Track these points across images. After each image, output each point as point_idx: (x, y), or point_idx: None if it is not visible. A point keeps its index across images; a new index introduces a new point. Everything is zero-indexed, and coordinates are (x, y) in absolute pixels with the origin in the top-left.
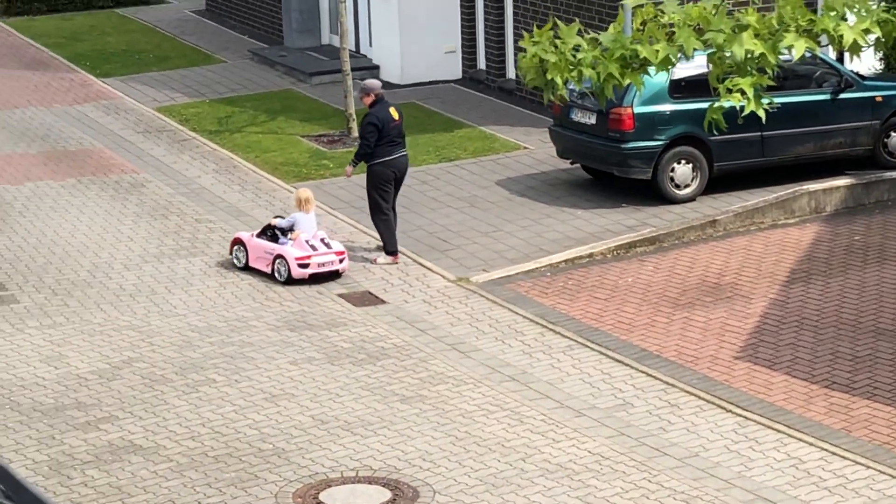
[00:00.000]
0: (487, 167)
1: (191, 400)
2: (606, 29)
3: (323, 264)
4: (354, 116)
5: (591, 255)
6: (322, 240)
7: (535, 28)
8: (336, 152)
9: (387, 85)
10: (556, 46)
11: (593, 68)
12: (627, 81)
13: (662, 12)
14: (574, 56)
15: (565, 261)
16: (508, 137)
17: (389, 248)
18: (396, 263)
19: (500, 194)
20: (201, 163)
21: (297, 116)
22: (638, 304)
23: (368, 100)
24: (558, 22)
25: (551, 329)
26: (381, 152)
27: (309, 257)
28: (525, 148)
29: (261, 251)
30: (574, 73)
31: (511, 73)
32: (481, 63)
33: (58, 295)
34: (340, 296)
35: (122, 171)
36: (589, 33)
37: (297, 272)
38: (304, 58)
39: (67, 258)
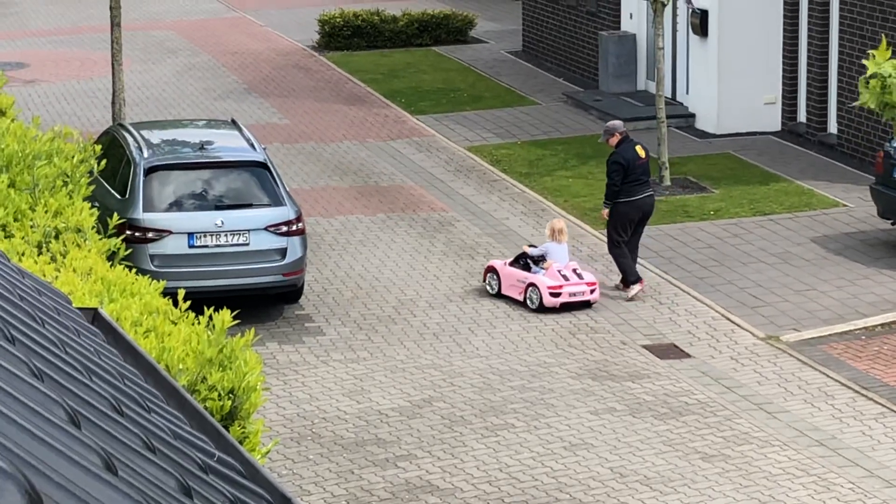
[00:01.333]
0: (803, 223)
1: (489, 443)
2: None
3: (574, 294)
4: (667, 165)
5: None
6: (574, 270)
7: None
8: None
9: (703, 134)
10: None
11: None
12: None
13: None
14: None
15: (882, 324)
16: (827, 193)
17: (631, 277)
18: (643, 286)
19: (815, 252)
20: (510, 204)
21: None
22: None
23: (614, 140)
24: None
25: (864, 395)
26: (626, 191)
27: (561, 287)
28: (844, 205)
29: (513, 279)
30: None
31: (833, 127)
32: (802, 115)
33: (363, 329)
34: (645, 347)
35: (432, 209)
36: None
37: (549, 301)
38: (619, 103)
39: (374, 293)
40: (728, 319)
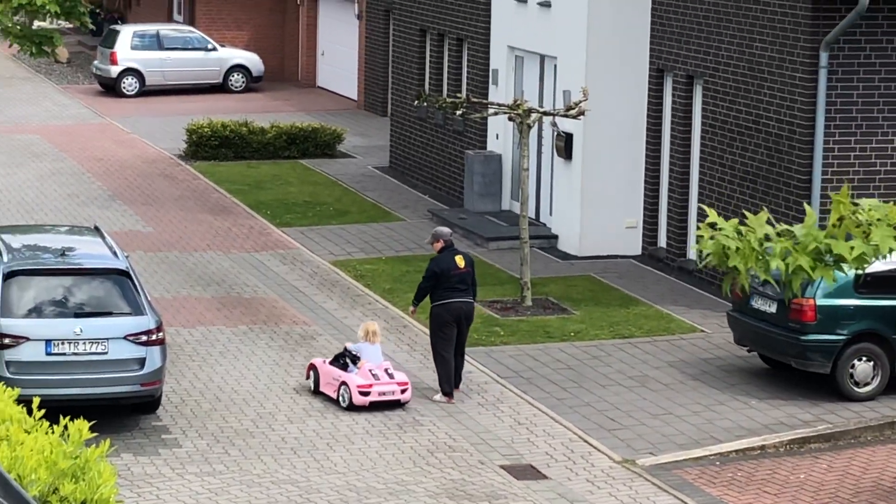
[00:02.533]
0: (662, 347)
1: None
2: (791, 221)
3: (384, 393)
4: (529, 285)
5: (762, 448)
6: (386, 370)
7: (710, 211)
8: (508, 320)
9: (565, 256)
10: (740, 234)
11: (783, 259)
12: (819, 276)
13: (861, 209)
14: (761, 245)
15: (736, 451)
16: (685, 319)
17: (445, 389)
18: (451, 403)
19: (672, 376)
20: (372, 319)
21: None
22: (809, 503)
23: (438, 245)
24: (745, 212)
25: None
26: (440, 295)
27: (370, 385)
28: (702, 331)
29: (329, 377)
30: (760, 263)
31: (692, 253)
32: (662, 241)
33: (220, 442)
34: (503, 467)
35: (294, 322)
36: (778, 224)
37: (358, 399)
38: (483, 222)
39: (232, 405)
40: (586, 441)
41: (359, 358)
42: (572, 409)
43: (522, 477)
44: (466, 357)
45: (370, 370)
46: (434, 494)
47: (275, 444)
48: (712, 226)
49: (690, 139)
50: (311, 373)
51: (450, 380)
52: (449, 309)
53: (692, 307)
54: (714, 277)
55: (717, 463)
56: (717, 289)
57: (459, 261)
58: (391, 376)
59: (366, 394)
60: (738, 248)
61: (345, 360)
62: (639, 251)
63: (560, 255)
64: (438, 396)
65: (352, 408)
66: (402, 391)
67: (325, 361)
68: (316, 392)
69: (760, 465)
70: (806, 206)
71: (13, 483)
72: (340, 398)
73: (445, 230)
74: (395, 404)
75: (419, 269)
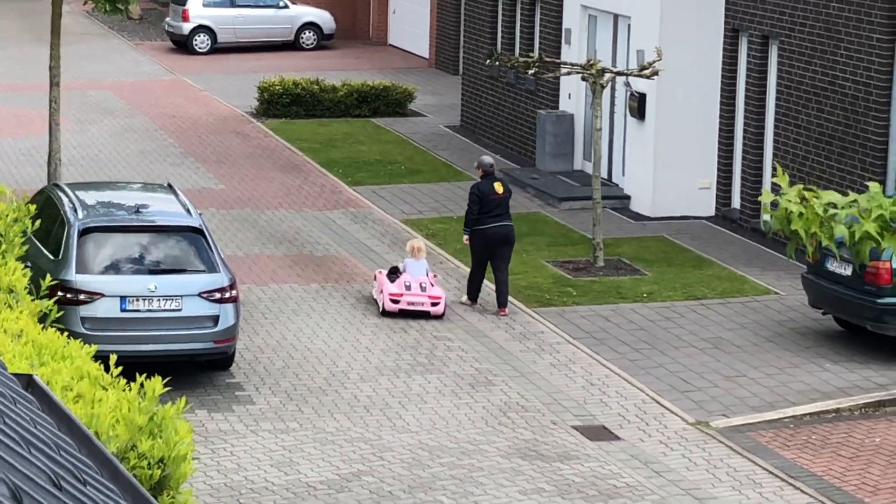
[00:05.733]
0: (735, 309)
1: None
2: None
3: (413, 304)
4: (602, 246)
5: (837, 411)
6: (420, 283)
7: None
8: (581, 280)
9: (637, 216)
10: (804, 199)
11: (848, 227)
12: (887, 245)
13: None
14: (825, 212)
15: (810, 414)
16: (759, 281)
17: (472, 294)
18: (472, 307)
19: (746, 338)
20: (444, 279)
21: (544, 241)
22: (884, 467)
23: (479, 173)
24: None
25: (791, 484)
26: (480, 221)
27: (401, 295)
28: (776, 293)
29: (380, 285)
30: (824, 229)
31: (766, 214)
32: (736, 202)
33: (293, 400)
34: (575, 428)
35: (366, 281)
36: (848, 193)
37: (389, 306)
38: (555, 182)
39: (305, 363)
40: (658, 403)
41: (402, 271)
42: (645, 371)
43: (595, 438)
44: (539, 317)
45: (405, 282)
46: (506, 454)
47: (347, 403)
48: (776, 190)
49: (765, 99)
50: (374, 281)
51: (478, 289)
52: (487, 234)
53: (766, 269)
54: (788, 239)
55: (791, 426)
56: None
57: (498, 187)
58: (423, 289)
59: (396, 301)
60: (801, 214)
61: (397, 273)
62: (712, 212)
63: (632, 216)
64: (464, 298)
65: (385, 314)
66: (433, 304)
67: (381, 272)
68: (375, 301)
69: (835, 429)
70: (869, 183)
71: (96, 441)
72: (380, 304)
73: (488, 160)
74: (427, 315)
75: None
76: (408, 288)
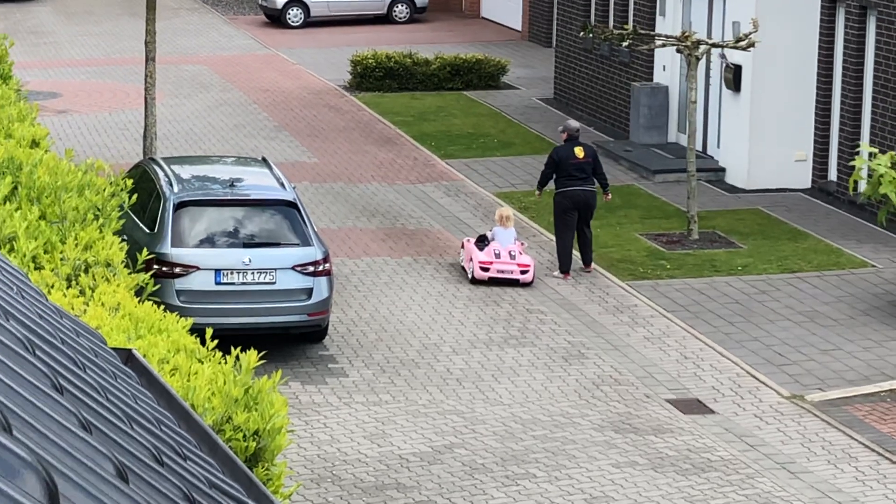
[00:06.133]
0: (831, 282)
1: (509, 493)
2: None
3: (502, 271)
4: (696, 219)
5: None
6: (510, 252)
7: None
8: (674, 253)
9: (732, 189)
10: (894, 164)
11: None
12: None
13: None
14: None
15: None
16: (855, 253)
17: (563, 267)
18: (566, 280)
19: (842, 311)
20: (537, 252)
21: (638, 214)
22: None
23: (563, 136)
24: None
25: (888, 458)
26: (560, 183)
27: (491, 263)
28: (872, 266)
29: (469, 254)
30: None
31: (863, 186)
32: (832, 174)
33: (386, 372)
34: (669, 401)
35: (458, 254)
36: None
37: (479, 274)
38: (649, 154)
39: (398, 336)
40: (753, 377)
41: (490, 240)
42: (739, 344)
43: (689, 411)
44: (632, 290)
45: (494, 250)
46: (599, 427)
47: (440, 375)
48: (869, 157)
49: (863, 71)
50: (462, 249)
51: (567, 260)
52: (567, 196)
53: (863, 241)
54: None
55: (888, 399)
56: (888, 223)
57: (579, 151)
58: (512, 257)
59: (485, 269)
60: (892, 179)
61: (485, 241)
62: (808, 184)
63: (727, 189)
64: (556, 273)
65: (475, 281)
66: (522, 272)
67: (469, 240)
68: (462, 268)
69: None
70: None
71: (195, 415)
72: (469, 272)
73: (573, 124)
74: (515, 283)
75: None
76: (497, 256)
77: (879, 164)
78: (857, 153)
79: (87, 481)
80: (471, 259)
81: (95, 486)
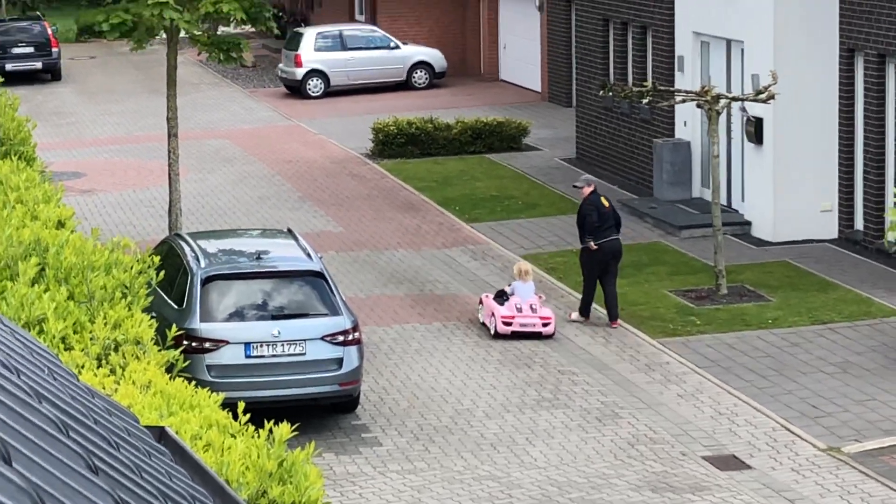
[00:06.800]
0: (863, 332)
1: None
2: None
3: (525, 325)
4: (724, 273)
5: None
6: (531, 305)
7: None
8: (704, 309)
9: (759, 242)
10: None
11: None
12: None
13: None
14: None
15: None
16: (886, 302)
17: (584, 311)
18: (584, 322)
19: (876, 361)
20: (565, 313)
21: (665, 270)
22: None
23: (588, 189)
24: None
25: None
26: (595, 235)
27: (513, 317)
28: None
29: (489, 309)
30: None
31: (891, 235)
32: (858, 223)
33: (419, 440)
34: (705, 458)
35: (477, 311)
36: None
37: (502, 328)
38: (674, 210)
39: (430, 403)
40: (788, 430)
41: (510, 294)
42: (773, 398)
43: (726, 468)
44: (663, 347)
45: (516, 304)
46: (636, 487)
47: (474, 441)
48: None
49: (885, 119)
50: (479, 306)
51: (590, 304)
52: (603, 248)
53: (893, 290)
54: None
55: None
56: None
57: (604, 201)
58: (534, 310)
59: (508, 324)
60: None
61: (505, 297)
62: (835, 234)
63: (754, 242)
64: (575, 315)
65: (497, 336)
66: (545, 325)
67: (488, 296)
68: (482, 325)
69: None
70: None
71: (229, 490)
72: (491, 327)
73: (590, 176)
74: (538, 336)
75: None
76: (519, 310)
77: None
78: (892, 204)
79: None
80: (492, 314)
81: None
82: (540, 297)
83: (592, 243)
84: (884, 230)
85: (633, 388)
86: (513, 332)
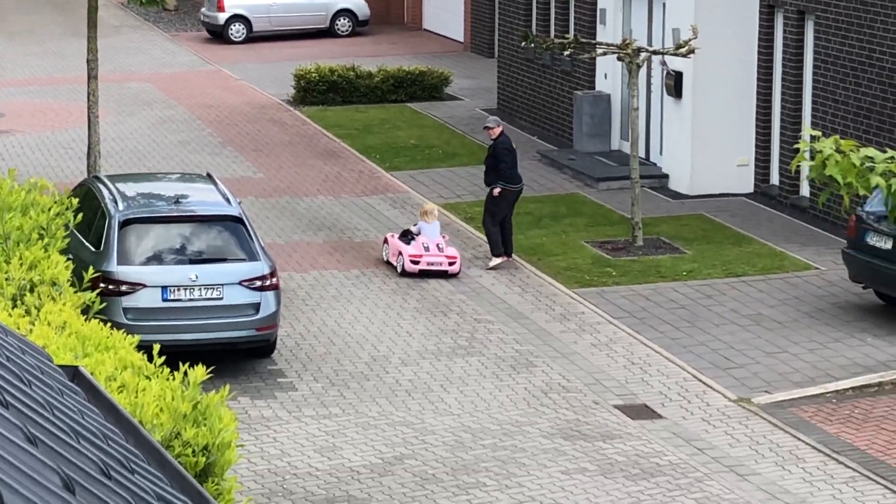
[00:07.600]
0: (775, 285)
1: (460, 502)
2: None
3: (432, 264)
4: (641, 225)
5: (880, 385)
6: (437, 245)
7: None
8: (620, 260)
9: (676, 195)
10: (839, 149)
11: (886, 180)
12: None
13: None
14: (862, 164)
15: (852, 388)
16: (799, 256)
17: (496, 251)
18: (509, 260)
19: (787, 314)
20: (483, 262)
21: (583, 221)
22: None
23: (497, 130)
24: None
25: (834, 458)
26: (509, 177)
27: (421, 256)
28: (816, 268)
29: (395, 249)
30: (861, 180)
31: (805, 190)
32: (774, 178)
33: (335, 385)
34: (617, 407)
35: (382, 250)
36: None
37: (409, 267)
38: (592, 162)
39: (346, 349)
40: (700, 381)
41: (416, 234)
42: (686, 349)
43: (637, 416)
44: (579, 297)
45: (423, 243)
46: (549, 434)
47: (389, 387)
48: (813, 140)
49: (802, 75)
50: (385, 245)
51: (499, 242)
52: (515, 191)
53: (806, 245)
54: (827, 214)
55: (834, 400)
56: (830, 226)
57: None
58: (440, 249)
59: (416, 262)
60: (836, 161)
61: (410, 236)
62: (751, 189)
63: (671, 195)
64: (493, 262)
65: (405, 273)
66: (451, 264)
67: (393, 236)
68: (387, 263)
69: (877, 403)
70: None
71: (142, 430)
72: (398, 266)
73: (497, 118)
74: (443, 274)
75: (528, 210)
76: (426, 249)
77: (824, 146)
78: (800, 137)
79: (33, 493)
80: (399, 253)
81: (41, 497)
82: (444, 237)
83: (497, 189)
84: (798, 185)
85: (547, 338)
86: (420, 271)
